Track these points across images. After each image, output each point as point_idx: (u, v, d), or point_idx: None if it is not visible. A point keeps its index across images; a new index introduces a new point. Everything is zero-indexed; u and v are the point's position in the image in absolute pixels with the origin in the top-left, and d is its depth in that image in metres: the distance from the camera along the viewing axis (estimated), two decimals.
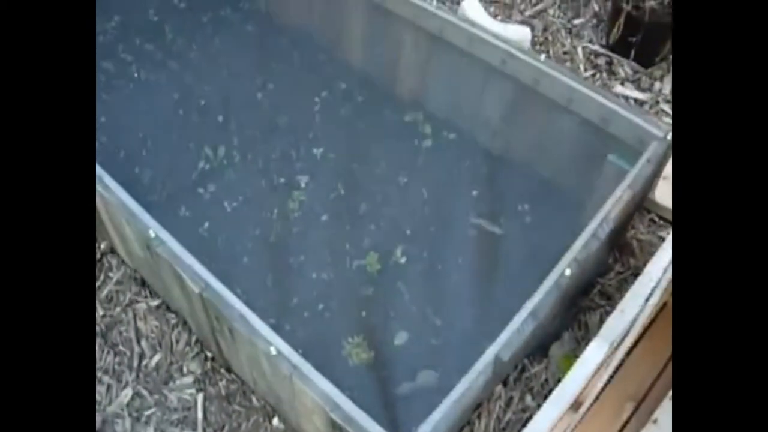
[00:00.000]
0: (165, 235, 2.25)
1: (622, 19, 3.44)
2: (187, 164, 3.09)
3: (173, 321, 2.71)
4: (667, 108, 3.35)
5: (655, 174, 2.47)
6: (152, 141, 3.18)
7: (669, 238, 2.32)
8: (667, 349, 2.25)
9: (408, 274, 2.71)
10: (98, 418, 2.49)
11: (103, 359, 2.64)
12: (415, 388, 2.45)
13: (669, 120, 3.24)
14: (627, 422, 2.16)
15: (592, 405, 2.11)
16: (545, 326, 2.22)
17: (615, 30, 3.52)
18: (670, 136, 2.37)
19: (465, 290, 2.66)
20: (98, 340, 2.68)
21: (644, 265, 2.25)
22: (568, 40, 3.76)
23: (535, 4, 3.95)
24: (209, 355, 2.61)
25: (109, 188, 2.38)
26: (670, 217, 2.80)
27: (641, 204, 2.70)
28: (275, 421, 2.46)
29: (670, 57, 3.52)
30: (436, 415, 1.86)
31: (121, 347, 2.67)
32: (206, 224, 2.88)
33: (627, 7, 3.40)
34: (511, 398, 2.44)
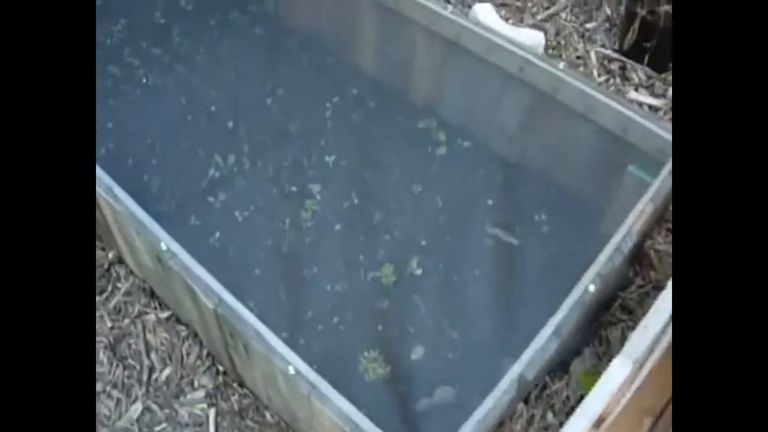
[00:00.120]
0: (176, 248, 2.19)
1: (636, 24, 3.39)
2: (197, 172, 3.03)
3: (184, 333, 2.65)
4: None
5: None
6: (160, 147, 3.12)
7: None
8: None
9: (424, 286, 2.66)
10: None
11: (112, 372, 2.58)
12: (432, 404, 2.40)
13: None
14: None
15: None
16: (567, 343, 2.17)
17: (629, 35, 3.46)
18: None
19: (482, 303, 2.61)
20: (107, 353, 2.62)
21: (665, 278, 2.21)
22: (581, 45, 3.70)
23: (547, 8, 3.89)
24: (221, 369, 2.56)
25: (118, 198, 2.32)
26: None
27: (662, 216, 2.65)
28: None
29: None
30: None
31: (130, 360, 2.61)
32: (217, 234, 2.82)
33: (641, 12, 3.34)
34: (533, 416, 2.39)
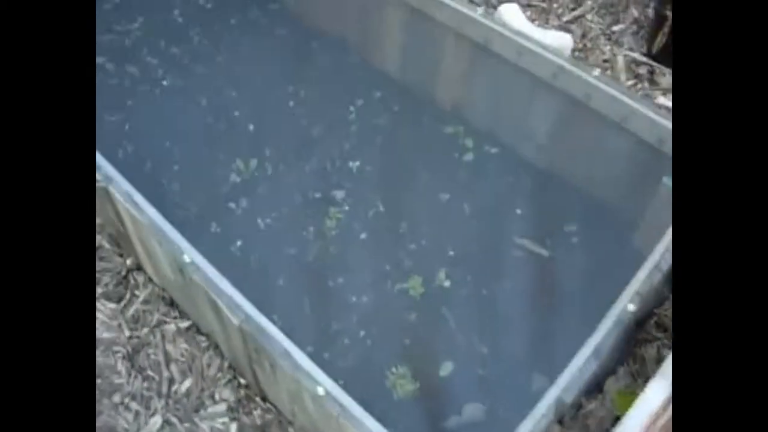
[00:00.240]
0: (200, 260, 2.12)
1: (666, 28, 3.30)
2: (218, 177, 2.95)
3: (204, 344, 2.58)
4: None
5: None
6: (180, 151, 3.05)
7: None
8: None
9: (452, 299, 2.58)
10: None
11: (131, 384, 2.51)
12: (461, 422, 2.33)
13: None
14: None
15: None
16: (605, 363, 2.11)
17: (659, 38, 3.38)
18: None
19: (512, 317, 2.54)
20: (125, 364, 2.55)
21: None
22: (608, 48, 3.62)
23: (573, 9, 3.81)
24: (243, 381, 2.48)
25: (139, 207, 2.26)
26: None
27: None
28: None
29: None
30: None
31: (149, 371, 2.54)
32: (238, 242, 2.75)
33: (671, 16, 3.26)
34: None
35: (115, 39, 3.50)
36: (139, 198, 2.28)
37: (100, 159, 2.38)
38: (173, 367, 2.55)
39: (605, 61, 3.56)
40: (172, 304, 2.68)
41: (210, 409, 2.46)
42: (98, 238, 2.85)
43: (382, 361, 2.45)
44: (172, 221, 2.22)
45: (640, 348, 2.44)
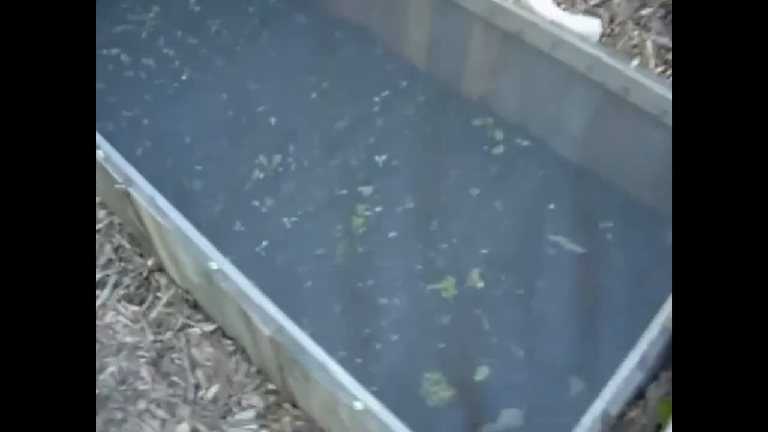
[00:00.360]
0: (228, 267, 2.05)
1: None
2: (240, 173, 2.86)
3: (230, 348, 2.51)
4: None
5: None
6: (200, 147, 2.95)
7: None
8: None
9: (486, 300, 2.49)
10: None
11: (157, 390, 2.45)
12: (498, 429, 2.26)
13: None
14: None
15: None
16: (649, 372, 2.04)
17: None
18: None
19: (549, 318, 2.45)
20: (150, 369, 2.48)
21: None
22: (636, 33, 3.50)
23: None
24: (272, 387, 2.41)
25: (163, 211, 2.18)
26: None
27: None
28: None
29: None
30: None
31: (174, 377, 2.47)
32: (264, 243, 2.66)
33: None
34: None
35: (130, 29, 3.39)
36: (162, 202, 2.20)
37: (118, 158, 2.30)
38: (199, 372, 2.48)
39: (634, 46, 3.45)
40: (195, 306, 2.61)
41: (238, 416, 2.39)
42: (118, 237, 2.78)
43: (416, 366, 2.37)
44: (196, 221, 2.15)
45: None
